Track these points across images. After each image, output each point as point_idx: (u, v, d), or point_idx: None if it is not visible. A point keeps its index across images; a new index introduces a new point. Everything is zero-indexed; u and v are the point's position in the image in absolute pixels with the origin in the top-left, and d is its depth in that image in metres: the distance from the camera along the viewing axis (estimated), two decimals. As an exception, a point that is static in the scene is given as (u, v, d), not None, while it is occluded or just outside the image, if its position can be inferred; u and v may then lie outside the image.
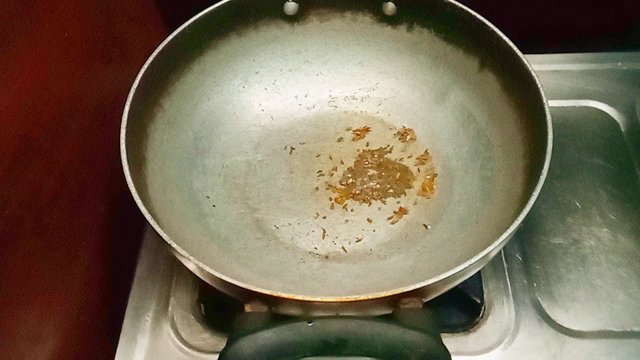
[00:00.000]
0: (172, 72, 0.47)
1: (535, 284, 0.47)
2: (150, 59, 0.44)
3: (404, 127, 0.53)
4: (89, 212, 0.46)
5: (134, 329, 0.46)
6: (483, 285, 0.47)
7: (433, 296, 0.37)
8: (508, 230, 0.36)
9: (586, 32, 0.61)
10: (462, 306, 0.47)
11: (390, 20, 0.51)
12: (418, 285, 0.34)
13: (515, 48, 0.44)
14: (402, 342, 0.33)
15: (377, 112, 0.54)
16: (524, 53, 0.43)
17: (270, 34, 0.52)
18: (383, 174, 0.50)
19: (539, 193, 0.37)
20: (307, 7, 0.51)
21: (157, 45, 0.45)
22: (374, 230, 0.47)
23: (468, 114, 0.50)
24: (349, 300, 0.34)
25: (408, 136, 0.52)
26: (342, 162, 0.51)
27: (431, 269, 0.41)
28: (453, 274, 0.35)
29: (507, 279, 0.47)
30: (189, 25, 0.47)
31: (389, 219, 0.48)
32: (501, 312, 0.45)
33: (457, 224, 0.46)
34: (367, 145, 0.52)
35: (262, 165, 0.51)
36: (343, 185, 0.50)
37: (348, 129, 0.53)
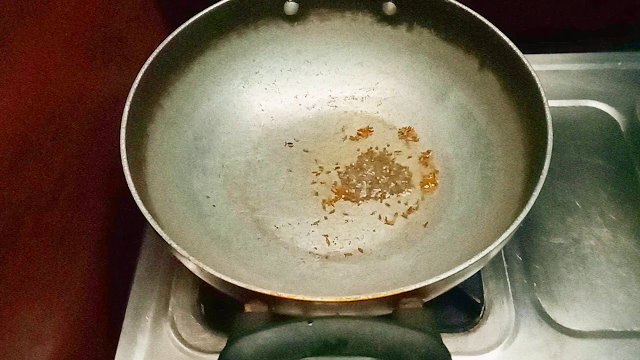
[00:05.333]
0: (172, 72, 0.47)
1: (535, 284, 0.47)
2: (150, 59, 0.44)
3: (404, 127, 0.53)
4: (89, 212, 0.46)
5: (134, 329, 0.46)
6: (483, 285, 0.47)
7: (433, 296, 0.37)
8: (508, 230, 0.36)
9: (586, 32, 0.61)
10: (462, 306, 0.47)
11: (390, 20, 0.51)
12: (418, 285, 0.34)
13: (515, 48, 0.44)
14: (402, 342, 0.33)
15: (377, 112, 0.54)
16: (524, 53, 0.43)
17: (270, 34, 0.52)
18: (383, 173, 0.50)
19: (539, 193, 0.37)
20: (307, 7, 0.51)
21: (157, 45, 0.45)
22: (374, 230, 0.47)
23: (468, 114, 0.50)
24: (349, 300, 0.34)
25: (408, 136, 0.52)
26: (342, 162, 0.51)
27: (431, 269, 0.41)
28: (453, 274, 0.35)
29: (507, 279, 0.47)
30: (189, 25, 0.47)
31: (389, 219, 0.48)
32: (501, 312, 0.45)
33: (457, 223, 0.46)
34: (368, 145, 0.52)
35: (262, 165, 0.51)
36: (343, 185, 0.50)
37: (348, 129, 0.53)
